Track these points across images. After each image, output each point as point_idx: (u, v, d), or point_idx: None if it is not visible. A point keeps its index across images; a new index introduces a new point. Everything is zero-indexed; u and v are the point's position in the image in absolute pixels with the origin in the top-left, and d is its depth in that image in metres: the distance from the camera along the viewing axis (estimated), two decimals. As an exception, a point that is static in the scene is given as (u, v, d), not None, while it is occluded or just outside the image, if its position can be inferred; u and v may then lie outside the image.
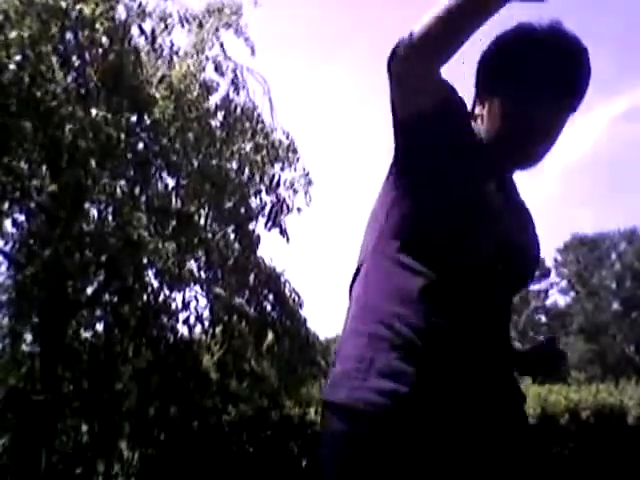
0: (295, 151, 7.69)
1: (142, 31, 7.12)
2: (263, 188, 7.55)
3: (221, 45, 7.53)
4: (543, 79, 1.38)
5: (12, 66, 5.93)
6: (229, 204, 7.31)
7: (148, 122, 7.01)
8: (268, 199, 7.53)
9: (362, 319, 1.37)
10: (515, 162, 1.46)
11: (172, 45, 7.40)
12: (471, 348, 1.33)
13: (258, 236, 7.39)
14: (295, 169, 7.73)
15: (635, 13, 41.86)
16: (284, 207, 7.48)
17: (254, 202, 7.55)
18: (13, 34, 5.94)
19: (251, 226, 7.48)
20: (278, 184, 7.56)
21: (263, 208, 7.47)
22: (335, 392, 1.34)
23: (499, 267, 1.37)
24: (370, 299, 1.38)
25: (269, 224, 7.38)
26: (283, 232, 7.37)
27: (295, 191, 7.61)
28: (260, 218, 7.46)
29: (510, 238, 1.39)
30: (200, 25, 7.44)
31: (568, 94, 1.41)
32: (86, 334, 7.58)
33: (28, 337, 7.68)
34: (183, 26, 7.46)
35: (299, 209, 7.56)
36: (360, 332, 1.35)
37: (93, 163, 6.36)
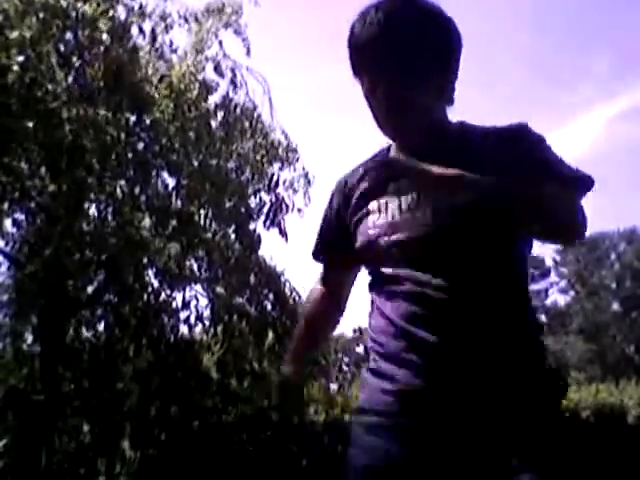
0: (295, 151, 7.70)
1: (142, 31, 7.12)
2: (262, 187, 7.55)
3: (220, 44, 7.54)
4: (354, 49, 1.49)
5: (14, 67, 5.93)
6: (229, 204, 7.31)
7: (148, 122, 7.02)
8: (267, 198, 7.54)
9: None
10: (390, 132, 1.54)
11: (172, 44, 7.41)
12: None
13: (259, 236, 7.39)
14: (294, 169, 7.74)
15: (635, 13, 41.84)
16: (283, 207, 7.48)
17: (253, 202, 7.56)
18: (14, 34, 5.94)
19: (251, 226, 7.49)
20: (277, 184, 7.57)
21: (262, 207, 7.48)
22: None
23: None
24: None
25: (267, 223, 7.39)
26: (282, 232, 7.38)
27: (295, 191, 7.62)
28: (259, 218, 7.46)
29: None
30: (200, 24, 7.44)
31: (381, 66, 1.45)
32: (87, 334, 7.58)
33: (28, 337, 7.69)
34: (183, 26, 7.47)
35: (299, 209, 7.57)
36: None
37: (94, 163, 6.37)
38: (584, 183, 1.44)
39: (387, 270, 1.47)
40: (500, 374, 1.37)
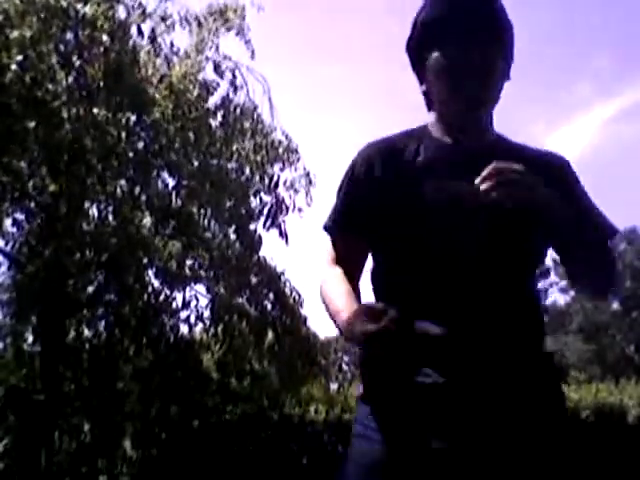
0: (295, 151, 7.70)
1: (142, 31, 7.13)
2: (262, 188, 7.55)
3: (218, 46, 7.54)
4: (440, 25, 1.44)
5: (14, 66, 5.93)
6: (229, 204, 7.31)
7: (148, 122, 7.02)
8: (268, 199, 7.54)
9: None
10: (463, 107, 1.48)
11: (172, 45, 7.41)
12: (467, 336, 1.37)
13: (259, 236, 7.39)
14: (295, 169, 7.74)
15: (633, 14, 41.87)
16: (283, 207, 7.48)
17: (254, 202, 7.56)
18: (14, 34, 5.95)
19: (252, 226, 7.48)
20: (277, 184, 7.56)
21: (263, 208, 7.48)
22: None
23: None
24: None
25: (267, 224, 7.39)
26: (282, 234, 7.36)
27: (296, 191, 7.62)
28: (260, 218, 7.46)
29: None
30: (200, 26, 7.44)
31: (481, 28, 1.43)
32: (87, 333, 7.58)
33: (29, 337, 7.69)
34: (184, 27, 7.47)
35: (300, 209, 7.56)
36: None
37: (94, 163, 6.37)
38: (615, 232, 1.49)
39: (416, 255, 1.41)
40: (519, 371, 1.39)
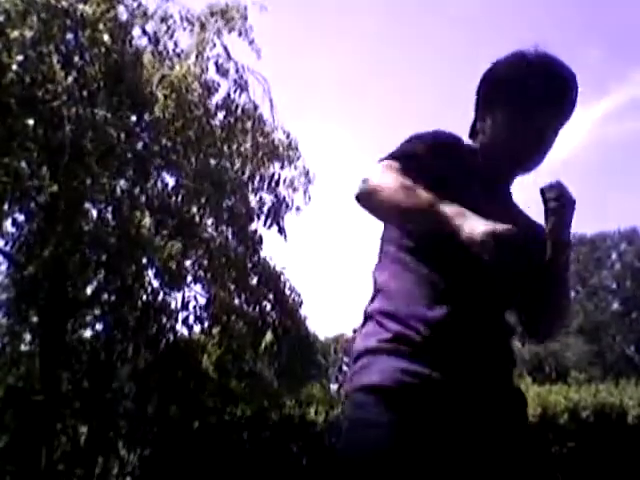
0: (296, 149, 7.69)
1: (144, 32, 7.14)
2: (263, 186, 7.55)
3: (225, 48, 7.54)
4: (541, 98, 1.57)
5: (14, 66, 5.93)
6: (229, 203, 7.32)
7: (148, 121, 7.02)
8: (268, 197, 7.54)
9: (386, 315, 1.51)
10: (514, 168, 1.65)
11: (176, 46, 7.41)
12: (475, 347, 1.48)
13: (260, 236, 7.39)
14: (295, 167, 7.75)
15: (627, 12, 41.88)
16: (283, 205, 7.49)
17: (254, 200, 7.56)
18: (15, 34, 5.94)
19: (253, 226, 7.48)
20: (277, 183, 7.57)
21: (262, 206, 7.48)
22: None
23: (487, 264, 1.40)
24: (391, 296, 1.52)
25: (268, 222, 7.39)
26: (281, 230, 7.38)
27: (295, 189, 7.62)
28: (259, 217, 7.47)
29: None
30: (202, 26, 7.44)
31: (560, 111, 1.62)
32: (85, 334, 7.59)
33: (27, 337, 7.70)
34: (185, 28, 7.47)
35: (298, 208, 7.57)
36: (382, 328, 1.50)
37: (94, 163, 6.37)
38: None
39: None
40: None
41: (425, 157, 1.53)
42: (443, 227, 1.37)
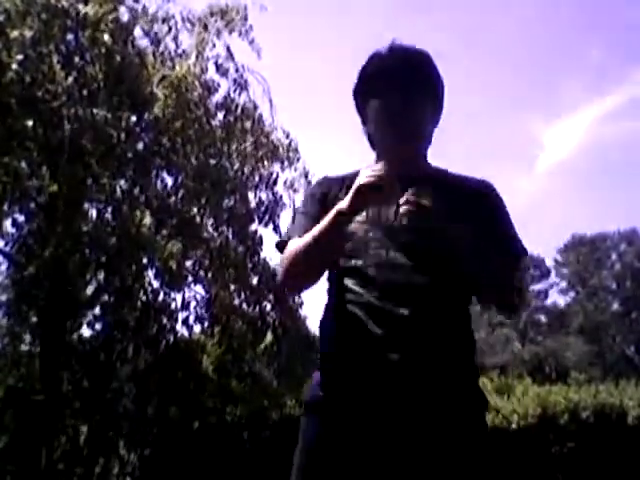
0: (295, 150, 7.69)
1: (144, 32, 7.14)
2: (261, 186, 7.55)
3: (228, 48, 7.53)
4: (380, 83, 1.69)
5: (14, 66, 5.93)
6: (229, 203, 7.32)
7: (148, 121, 7.02)
8: (264, 195, 7.55)
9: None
10: (398, 141, 1.69)
11: (177, 47, 7.41)
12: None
13: (260, 237, 7.38)
14: (295, 169, 7.75)
15: (626, 13, 41.91)
16: (280, 204, 7.49)
17: (253, 201, 7.56)
18: (15, 34, 5.94)
19: (253, 227, 7.48)
20: (275, 182, 7.58)
21: (260, 205, 7.48)
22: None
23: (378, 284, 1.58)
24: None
25: (264, 220, 7.40)
26: (276, 229, 7.38)
27: (295, 190, 7.63)
28: (256, 216, 7.46)
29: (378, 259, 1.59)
30: (205, 27, 7.43)
31: (416, 81, 1.69)
32: (86, 334, 7.59)
33: (27, 337, 7.69)
34: (186, 29, 7.47)
35: (284, 205, 7.56)
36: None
37: (94, 163, 6.37)
38: (523, 253, 1.71)
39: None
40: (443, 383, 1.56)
41: (309, 212, 1.70)
42: (329, 231, 1.53)
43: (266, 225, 7.40)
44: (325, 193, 1.72)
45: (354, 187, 1.49)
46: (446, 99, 1.79)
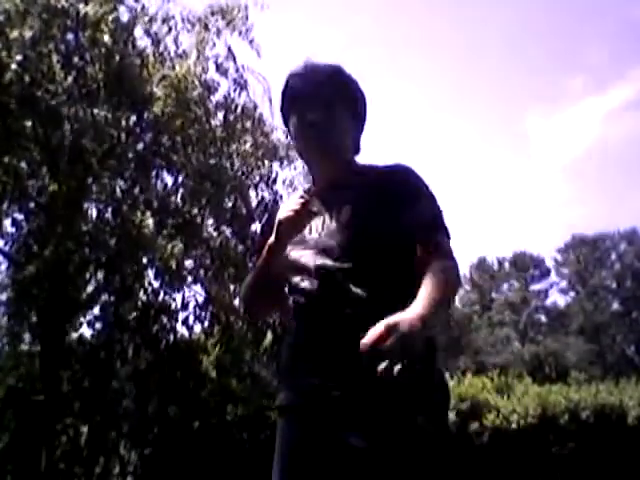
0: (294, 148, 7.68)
1: (145, 32, 7.13)
2: (261, 185, 7.55)
3: (229, 48, 7.53)
4: (296, 95, 1.79)
5: (13, 66, 5.93)
6: (229, 203, 7.32)
7: (148, 121, 7.02)
8: (267, 196, 7.54)
9: None
10: (323, 162, 1.78)
11: (177, 48, 7.40)
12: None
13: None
14: (295, 167, 7.76)
15: (629, 10, 41.87)
16: (280, 203, 7.48)
17: (255, 201, 7.55)
18: (14, 34, 5.94)
19: (253, 227, 7.47)
20: (275, 180, 7.58)
21: (260, 204, 7.48)
22: None
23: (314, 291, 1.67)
24: None
25: (264, 219, 7.38)
26: None
27: (295, 189, 7.62)
28: (257, 214, 7.45)
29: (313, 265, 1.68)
30: (205, 27, 7.43)
31: (326, 95, 1.75)
32: (86, 334, 7.59)
33: (27, 337, 7.69)
34: (186, 29, 7.47)
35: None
36: None
37: (94, 162, 6.37)
38: (449, 237, 1.71)
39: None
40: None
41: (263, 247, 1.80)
42: (267, 261, 1.73)
43: None
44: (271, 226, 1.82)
45: (276, 222, 1.66)
46: (369, 108, 1.87)
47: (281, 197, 7.52)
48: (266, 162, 7.58)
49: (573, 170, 47.85)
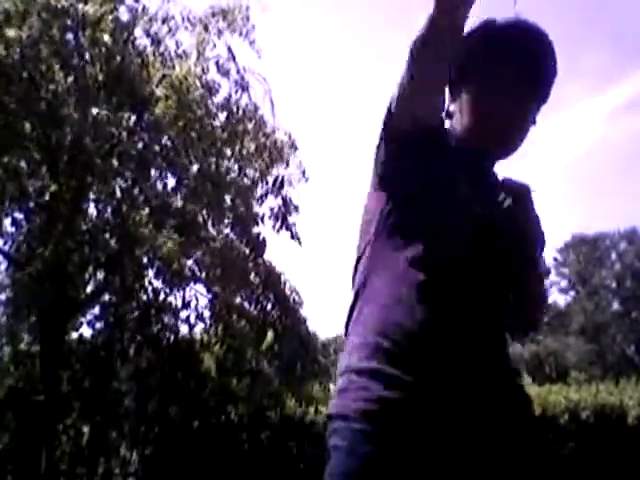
0: (295, 148, 7.65)
1: (145, 32, 7.14)
2: (268, 190, 7.51)
3: (229, 49, 7.52)
4: (511, 70, 1.43)
5: (13, 65, 5.93)
6: (230, 204, 7.31)
7: (149, 121, 7.02)
8: (273, 200, 7.49)
9: (362, 325, 1.40)
10: (492, 151, 1.51)
11: (177, 48, 7.39)
12: (464, 348, 1.32)
13: (264, 239, 7.33)
14: (297, 167, 7.72)
15: (633, 6, 41.87)
16: (291, 208, 7.42)
17: (265, 207, 7.50)
18: (14, 34, 5.94)
19: (257, 229, 7.44)
20: (282, 184, 7.51)
21: (270, 210, 7.42)
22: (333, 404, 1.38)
23: (478, 262, 1.37)
24: (367, 305, 1.40)
25: (277, 226, 7.31)
26: (294, 236, 7.29)
27: (295, 189, 7.61)
28: (267, 221, 7.39)
29: (486, 231, 1.39)
30: (206, 27, 7.42)
31: (535, 83, 1.47)
32: (86, 333, 7.59)
33: (26, 337, 7.69)
34: (187, 29, 7.46)
35: (297, 207, 7.54)
36: (359, 342, 1.40)
37: (94, 162, 6.37)
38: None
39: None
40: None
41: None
42: None
43: (278, 231, 7.33)
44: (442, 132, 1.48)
45: None
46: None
47: (290, 200, 7.49)
48: (274, 170, 7.55)
49: (573, 170, 47.84)
